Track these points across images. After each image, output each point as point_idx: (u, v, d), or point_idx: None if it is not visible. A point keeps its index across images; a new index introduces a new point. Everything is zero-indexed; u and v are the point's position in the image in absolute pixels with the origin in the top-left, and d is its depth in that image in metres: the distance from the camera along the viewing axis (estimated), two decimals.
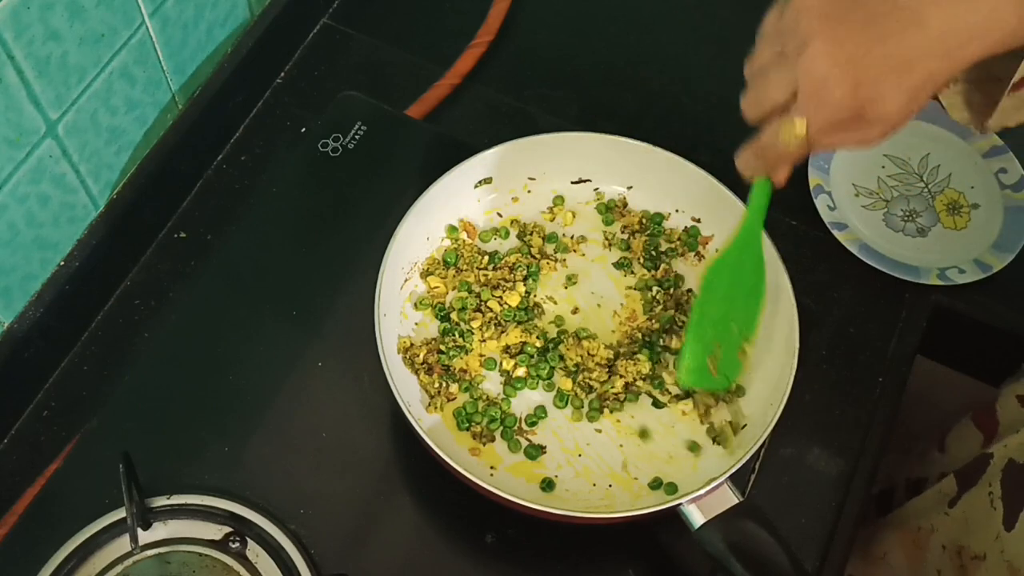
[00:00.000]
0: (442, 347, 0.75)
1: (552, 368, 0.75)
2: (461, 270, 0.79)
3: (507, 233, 0.81)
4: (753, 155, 0.60)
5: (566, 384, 0.74)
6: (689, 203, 0.81)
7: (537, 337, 0.76)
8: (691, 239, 0.81)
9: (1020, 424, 0.80)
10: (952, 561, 0.79)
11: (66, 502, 0.73)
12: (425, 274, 0.79)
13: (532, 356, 0.75)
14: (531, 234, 0.80)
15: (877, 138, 0.56)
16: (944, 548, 0.80)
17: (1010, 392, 0.85)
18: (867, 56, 0.52)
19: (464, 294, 0.78)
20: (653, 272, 0.79)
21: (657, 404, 0.74)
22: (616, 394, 0.74)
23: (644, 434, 0.74)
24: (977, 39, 0.52)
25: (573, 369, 0.75)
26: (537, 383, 0.75)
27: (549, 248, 0.81)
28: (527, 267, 0.78)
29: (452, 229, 0.80)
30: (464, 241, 0.80)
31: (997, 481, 0.75)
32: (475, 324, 0.76)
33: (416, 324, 0.77)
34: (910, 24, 0.52)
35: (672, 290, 0.79)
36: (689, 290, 0.79)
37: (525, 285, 0.78)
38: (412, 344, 0.75)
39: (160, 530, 0.70)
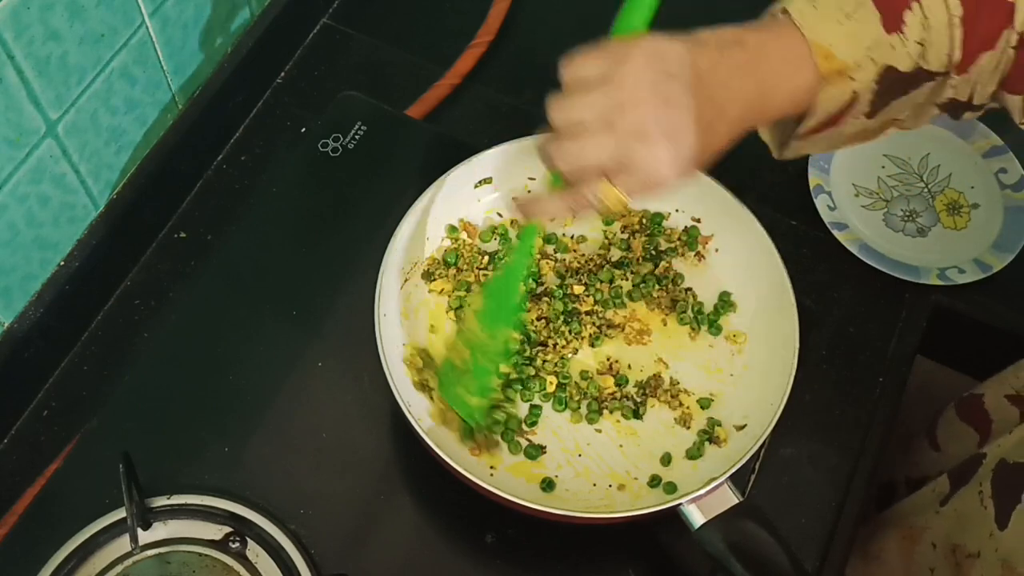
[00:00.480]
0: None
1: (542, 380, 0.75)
2: (461, 270, 0.79)
3: (506, 231, 0.81)
4: (560, 206, 0.60)
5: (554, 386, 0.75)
6: (689, 203, 0.81)
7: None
8: (691, 239, 0.81)
9: (1012, 423, 0.80)
10: (946, 559, 0.79)
11: (66, 502, 0.73)
12: (426, 275, 0.79)
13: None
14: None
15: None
16: (936, 546, 0.80)
17: (996, 390, 0.85)
18: (694, 151, 0.56)
19: (463, 293, 0.78)
20: (652, 268, 0.79)
21: (637, 414, 0.74)
22: (612, 393, 0.74)
23: (644, 434, 0.74)
24: (763, 113, 0.59)
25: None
26: (532, 393, 0.75)
27: (549, 248, 0.81)
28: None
29: (452, 229, 0.80)
30: (464, 241, 0.80)
31: (988, 480, 0.75)
32: None
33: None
34: (718, 115, 0.57)
35: (670, 287, 0.79)
36: (688, 289, 0.79)
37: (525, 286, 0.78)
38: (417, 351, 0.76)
39: (160, 530, 0.70)
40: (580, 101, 0.57)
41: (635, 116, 0.55)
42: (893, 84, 0.59)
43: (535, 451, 0.72)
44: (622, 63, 0.56)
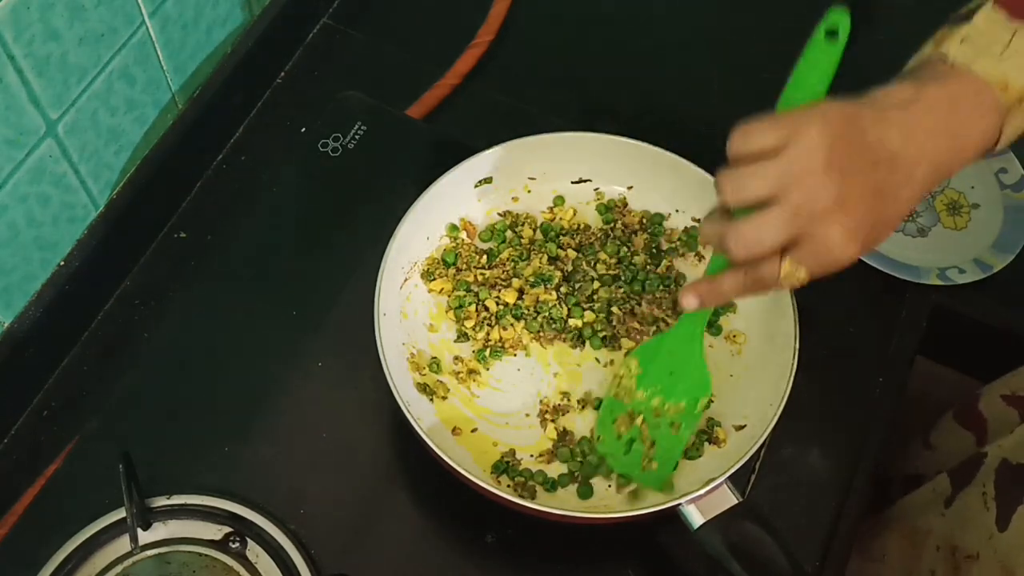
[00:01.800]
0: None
1: None
2: (460, 269, 0.79)
3: (505, 228, 0.81)
4: (742, 286, 0.59)
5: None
6: (689, 203, 0.81)
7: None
8: (691, 239, 0.81)
9: (1011, 424, 0.80)
10: (946, 561, 0.79)
11: (66, 502, 0.73)
12: (425, 274, 0.79)
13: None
14: (522, 225, 0.81)
15: None
16: (939, 548, 0.80)
17: (994, 391, 0.85)
18: (874, 224, 0.55)
19: (462, 293, 0.78)
20: (654, 268, 0.79)
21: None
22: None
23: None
24: (956, 164, 0.57)
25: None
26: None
27: (541, 237, 0.81)
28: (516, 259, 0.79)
29: (453, 228, 0.80)
30: (463, 240, 0.80)
31: (991, 481, 0.75)
32: (469, 324, 0.76)
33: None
34: (905, 181, 0.55)
35: (673, 287, 0.79)
36: None
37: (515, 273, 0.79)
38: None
39: (160, 530, 0.70)
40: (751, 177, 0.54)
41: (813, 192, 0.53)
42: None
43: (587, 491, 0.72)
44: (797, 133, 0.53)
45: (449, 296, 0.78)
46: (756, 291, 0.59)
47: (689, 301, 0.61)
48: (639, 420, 0.71)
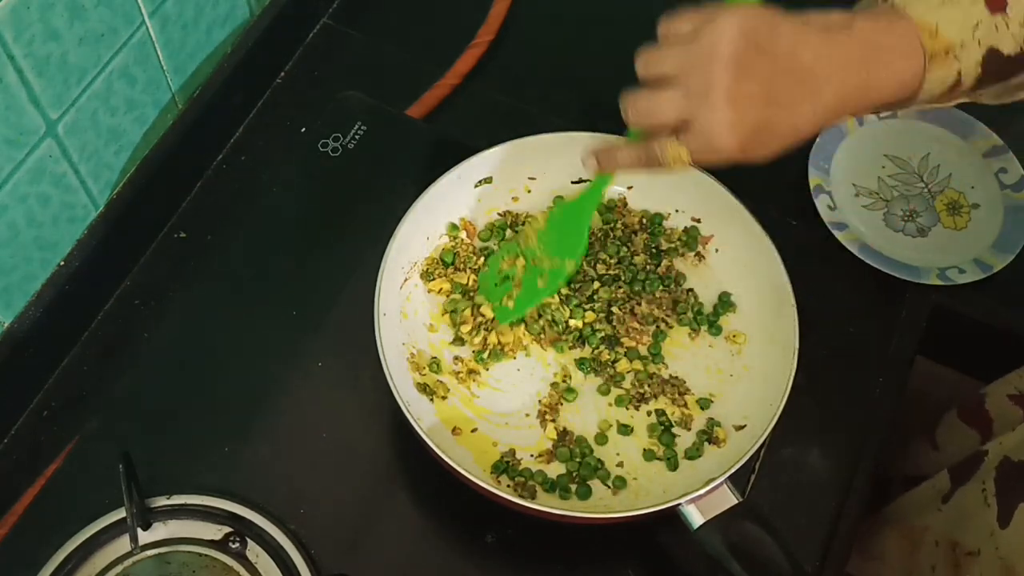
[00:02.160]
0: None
1: None
2: (458, 269, 0.79)
3: (505, 227, 0.81)
4: (635, 158, 0.63)
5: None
6: (689, 203, 0.82)
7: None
8: (691, 239, 0.81)
9: (1015, 422, 0.80)
10: (946, 557, 0.79)
11: (66, 502, 0.73)
12: (425, 274, 0.79)
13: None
14: (523, 224, 0.81)
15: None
16: (938, 544, 0.80)
17: (1000, 391, 0.85)
18: (762, 124, 0.56)
19: (458, 296, 0.78)
20: (655, 267, 0.79)
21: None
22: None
23: (644, 434, 0.74)
24: (867, 101, 0.58)
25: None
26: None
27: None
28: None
29: (453, 227, 0.80)
30: (462, 240, 0.80)
31: (991, 478, 0.75)
32: (465, 328, 0.76)
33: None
34: (807, 96, 0.57)
35: (672, 287, 0.79)
36: (690, 290, 0.79)
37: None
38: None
39: (160, 530, 0.70)
40: (663, 54, 0.58)
41: (707, 77, 0.56)
42: (997, 67, 0.58)
43: (585, 491, 0.72)
44: (712, 24, 0.56)
45: (446, 298, 0.78)
46: (647, 166, 0.62)
47: (589, 162, 0.66)
48: (520, 263, 0.75)
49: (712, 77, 0.55)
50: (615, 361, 0.76)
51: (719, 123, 0.56)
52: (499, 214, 0.82)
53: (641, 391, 0.75)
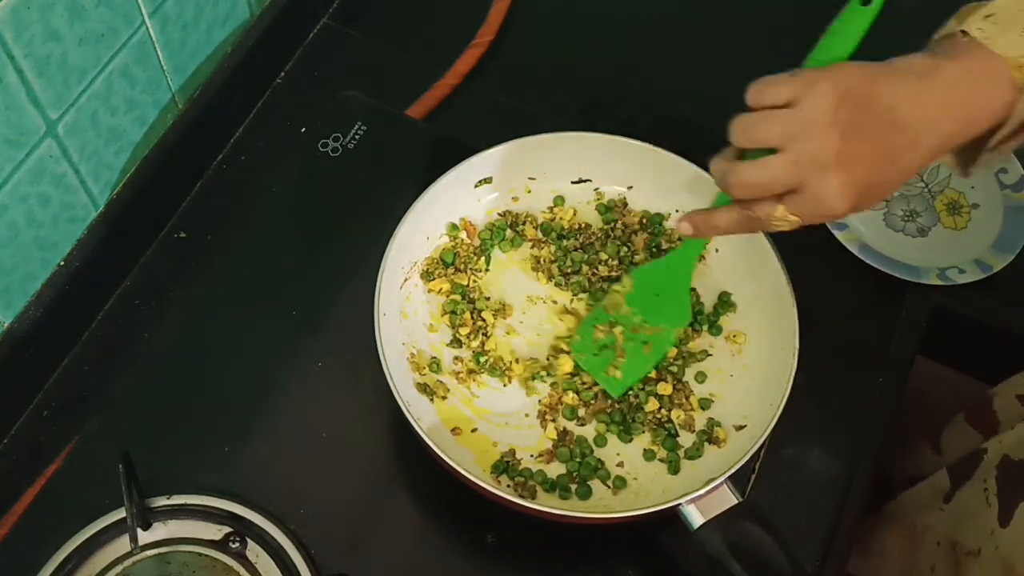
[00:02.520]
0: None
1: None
2: (458, 270, 0.79)
3: (505, 227, 0.81)
4: (735, 222, 0.62)
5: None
6: (689, 203, 0.81)
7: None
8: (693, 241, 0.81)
9: (1017, 421, 0.80)
10: (946, 556, 0.79)
11: (66, 502, 0.73)
12: (425, 274, 0.79)
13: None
14: (524, 224, 0.81)
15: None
16: (939, 544, 0.80)
17: (1008, 391, 0.85)
18: (871, 182, 0.57)
19: (457, 297, 0.78)
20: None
21: (625, 435, 0.74)
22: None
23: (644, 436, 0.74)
24: (964, 138, 0.58)
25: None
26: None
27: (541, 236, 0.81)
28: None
29: (453, 227, 0.80)
30: (462, 241, 0.80)
31: (992, 477, 0.75)
32: (464, 331, 0.76)
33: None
34: (910, 147, 0.57)
35: None
36: (692, 289, 0.79)
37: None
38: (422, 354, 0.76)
39: (160, 530, 0.70)
40: (760, 124, 0.58)
41: (814, 144, 0.56)
42: None
43: (585, 491, 0.72)
44: (810, 88, 0.56)
45: (445, 299, 0.78)
46: (747, 229, 0.62)
47: (684, 227, 0.66)
48: (618, 330, 0.74)
49: (821, 143, 0.56)
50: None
51: (832, 188, 0.56)
52: (499, 214, 0.82)
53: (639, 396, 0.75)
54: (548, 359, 0.76)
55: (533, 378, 0.75)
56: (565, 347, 0.76)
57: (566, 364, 0.75)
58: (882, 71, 0.57)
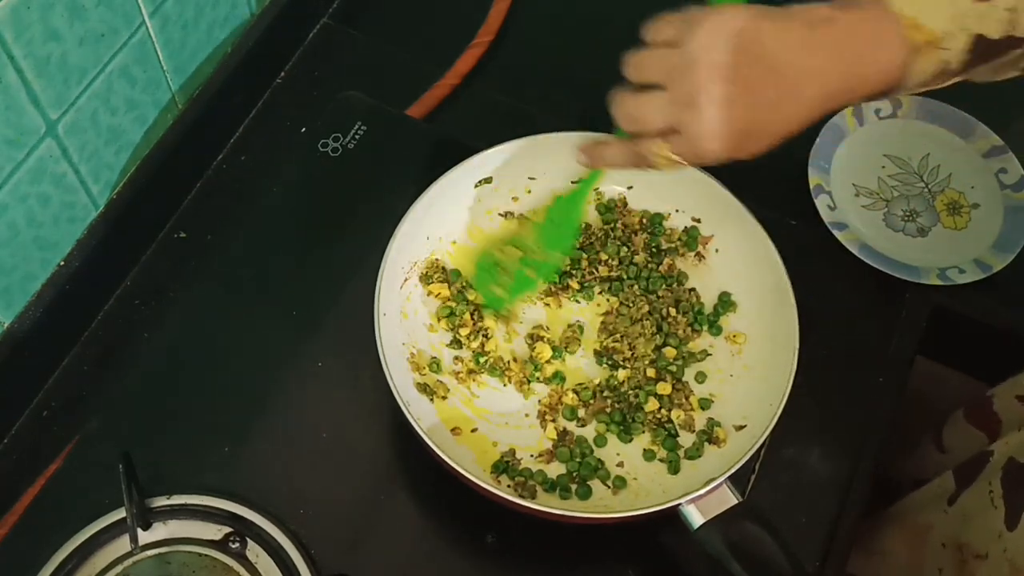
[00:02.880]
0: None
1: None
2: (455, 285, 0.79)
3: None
4: (624, 157, 0.64)
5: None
6: (689, 203, 0.82)
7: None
8: (691, 239, 0.81)
9: (1021, 422, 0.80)
10: (953, 558, 0.79)
11: (66, 502, 0.73)
12: (424, 277, 0.79)
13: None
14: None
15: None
16: (944, 546, 0.80)
17: (1008, 392, 0.85)
18: (748, 128, 0.57)
19: (454, 303, 0.78)
20: (656, 266, 0.79)
21: (626, 432, 0.74)
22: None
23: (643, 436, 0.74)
24: (852, 94, 0.58)
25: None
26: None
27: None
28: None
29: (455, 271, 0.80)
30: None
31: (997, 480, 0.75)
32: (464, 332, 0.76)
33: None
34: (792, 95, 0.57)
35: (674, 286, 0.79)
36: (692, 289, 0.79)
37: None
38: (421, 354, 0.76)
39: (160, 530, 0.70)
40: (647, 60, 0.59)
41: (692, 84, 0.56)
42: (983, 52, 0.57)
43: (585, 491, 0.72)
44: (693, 28, 0.57)
45: (442, 304, 0.78)
46: (636, 165, 0.63)
47: (580, 157, 0.68)
48: (514, 253, 0.76)
49: (697, 84, 0.56)
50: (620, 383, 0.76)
51: (706, 130, 0.57)
52: (499, 214, 0.82)
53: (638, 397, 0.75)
54: (529, 348, 0.76)
55: (528, 381, 0.75)
56: (542, 335, 0.77)
57: (544, 352, 0.76)
58: (774, 16, 0.57)
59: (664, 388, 0.74)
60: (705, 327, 0.78)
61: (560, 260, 0.76)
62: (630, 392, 0.75)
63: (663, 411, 0.74)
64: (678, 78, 0.57)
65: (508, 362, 0.76)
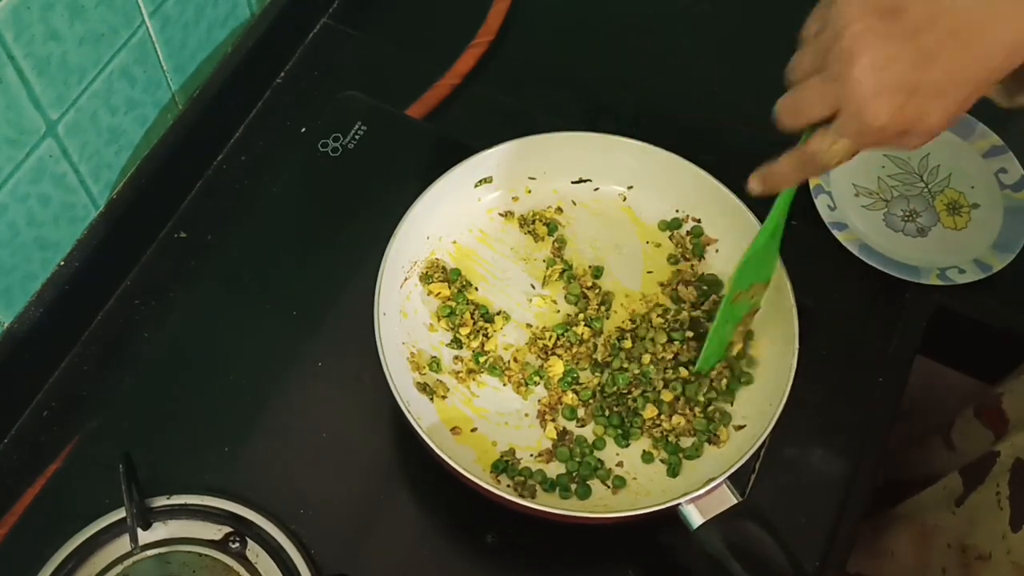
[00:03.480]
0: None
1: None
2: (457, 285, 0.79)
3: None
4: (795, 165, 0.60)
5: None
6: (689, 203, 0.81)
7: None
8: (697, 246, 0.81)
9: None
10: (957, 559, 0.78)
11: (66, 502, 0.73)
12: (424, 277, 0.79)
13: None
14: (534, 222, 0.81)
15: (917, 146, 0.56)
16: (949, 547, 0.80)
17: (1018, 389, 0.84)
18: (915, 86, 0.52)
19: (454, 303, 0.77)
20: (675, 266, 0.80)
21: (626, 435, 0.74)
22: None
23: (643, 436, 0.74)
24: (1021, 52, 0.52)
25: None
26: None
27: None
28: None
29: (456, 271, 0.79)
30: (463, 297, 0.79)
31: (1005, 481, 0.74)
32: (464, 331, 0.76)
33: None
34: (954, 45, 0.51)
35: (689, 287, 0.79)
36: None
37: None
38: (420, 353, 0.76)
39: (160, 530, 0.70)
40: (799, 57, 0.57)
41: (841, 56, 0.53)
42: None
43: (585, 491, 0.72)
44: (834, 7, 0.54)
45: (441, 304, 0.78)
46: (811, 171, 0.60)
47: (752, 185, 0.63)
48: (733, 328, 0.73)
49: (845, 54, 0.52)
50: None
51: (865, 95, 0.52)
52: (499, 214, 0.82)
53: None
54: (539, 360, 0.76)
55: (526, 383, 0.75)
56: (558, 351, 0.76)
57: (557, 366, 0.75)
58: None
59: (667, 395, 0.74)
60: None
61: (759, 292, 0.73)
62: (628, 397, 0.74)
63: (663, 417, 0.74)
64: (828, 57, 0.54)
65: (508, 362, 0.76)
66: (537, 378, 0.75)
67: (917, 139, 0.55)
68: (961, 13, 0.51)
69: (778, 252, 0.72)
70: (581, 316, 0.77)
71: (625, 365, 0.75)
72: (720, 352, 0.74)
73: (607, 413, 0.74)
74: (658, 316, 0.77)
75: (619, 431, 0.73)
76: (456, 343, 0.77)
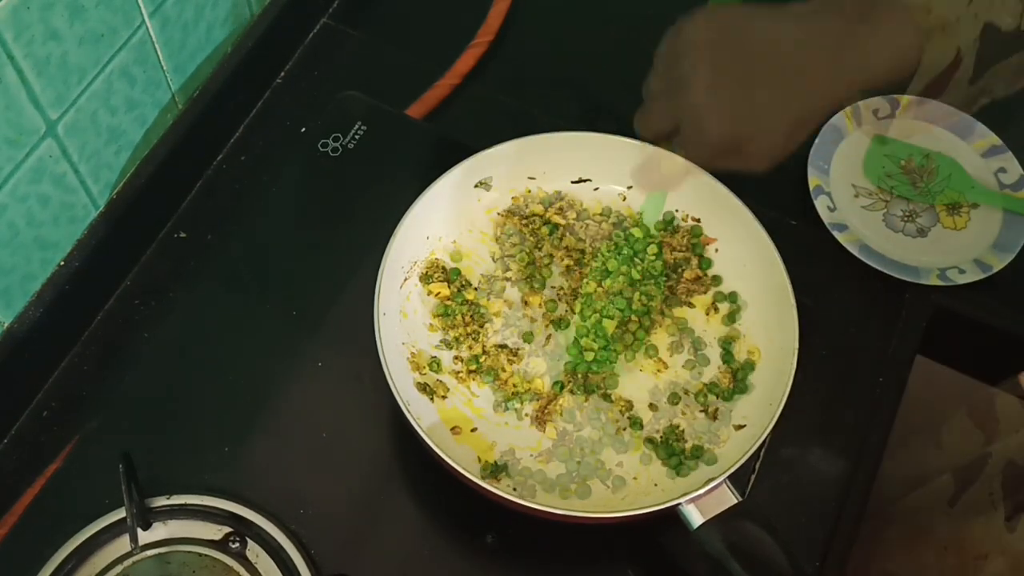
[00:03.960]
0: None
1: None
2: (462, 286, 0.79)
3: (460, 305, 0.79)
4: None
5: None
6: (689, 203, 0.81)
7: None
8: (696, 240, 0.81)
9: (1020, 424, 0.80)
10: (954, 561, 0.79)
11: (66, 502, 0.73)
12: (424, 277, 0.79)
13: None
14: (534, 222, 0.81)
15: (762, 168, 0.60)
16: (946, 548, 0.80)
17: (1010, 392, 0.85)
18: (748, 110, 0.57)
19: (451, 303, 0.77)
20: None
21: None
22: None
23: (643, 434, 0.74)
24: (865, 82, 0.59)
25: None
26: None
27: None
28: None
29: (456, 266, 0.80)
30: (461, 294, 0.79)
31: (997, 482, 0.75)
32: (453, 334, 0.76)
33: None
34: (794, 80, 0.57)
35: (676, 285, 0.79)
36: (716, 276, 0.79)
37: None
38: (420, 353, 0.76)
39: (160, 530, 0.70)
40: (653, 74, 0.62)
41: (681, 76, 0.58)
42: (995, 46, 0.57)
43: (585, 491, 0.72)
44: (680, 34, 0.59)
45: (439, 303, 0.78)
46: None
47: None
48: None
49: (686, 69, 0.57)
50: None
51: (701, 112, 0.57)
52: (499, 214, 0.82)
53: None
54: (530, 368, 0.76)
55: (513, 396, 0.75)
56: (563, 380, 0.76)
57: (541, 383, 0.76)
58: (772, 9, 0.58)
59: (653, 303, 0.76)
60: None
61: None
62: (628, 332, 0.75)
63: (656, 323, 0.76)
64: (673, 74, 0.59)
65: (498, 371, 0.76)
66: (526, 397, 0.75)
67: (757, 160, 0.59)
68: (791, 51, 0.57)
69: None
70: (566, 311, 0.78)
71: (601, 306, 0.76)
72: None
73: (604, 421, 0.74)
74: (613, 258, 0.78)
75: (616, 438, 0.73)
76: (445, 344, 0.76)
